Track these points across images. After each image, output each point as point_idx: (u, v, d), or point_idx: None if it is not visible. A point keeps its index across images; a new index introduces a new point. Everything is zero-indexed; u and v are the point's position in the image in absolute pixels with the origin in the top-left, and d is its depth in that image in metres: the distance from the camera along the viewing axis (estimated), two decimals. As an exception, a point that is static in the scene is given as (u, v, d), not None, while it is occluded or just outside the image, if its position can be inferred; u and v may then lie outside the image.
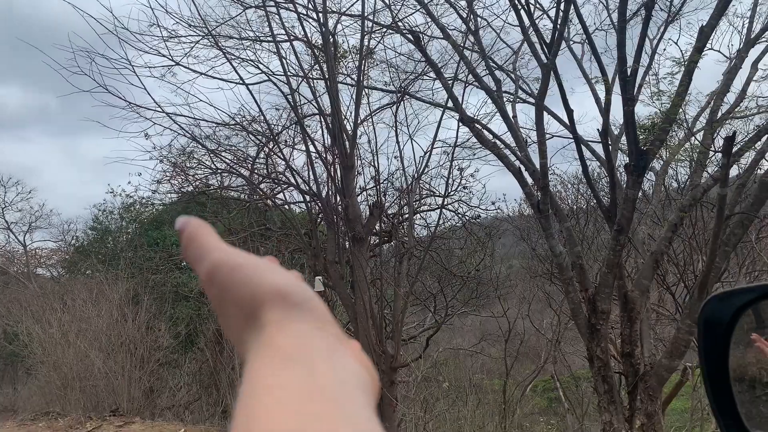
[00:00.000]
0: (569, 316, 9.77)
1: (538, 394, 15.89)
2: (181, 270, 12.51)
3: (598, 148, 9.29)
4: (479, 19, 8.56)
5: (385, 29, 9.20)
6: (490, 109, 10.05)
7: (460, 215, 10.68)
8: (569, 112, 7.33)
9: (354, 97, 8.83)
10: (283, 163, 9.53)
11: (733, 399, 1.07)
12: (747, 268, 10.10)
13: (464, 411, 11.67)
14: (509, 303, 13.74)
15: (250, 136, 9.84)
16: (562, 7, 6.97)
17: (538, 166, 7.54)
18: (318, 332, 0.40)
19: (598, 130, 7.61)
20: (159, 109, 8.72)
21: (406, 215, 9.91)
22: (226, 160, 9.93)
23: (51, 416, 9.40)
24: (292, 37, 8.93)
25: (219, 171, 10.31)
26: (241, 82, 8.59)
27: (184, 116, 9.14)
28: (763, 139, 7.18)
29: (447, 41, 8.28)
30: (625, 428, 6.93)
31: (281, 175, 9.92)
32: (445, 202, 9.86)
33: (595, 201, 8.82)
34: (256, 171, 9.86)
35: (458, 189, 10.29)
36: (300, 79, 8.89)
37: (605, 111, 7.64)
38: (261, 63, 9.24)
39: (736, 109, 8.16)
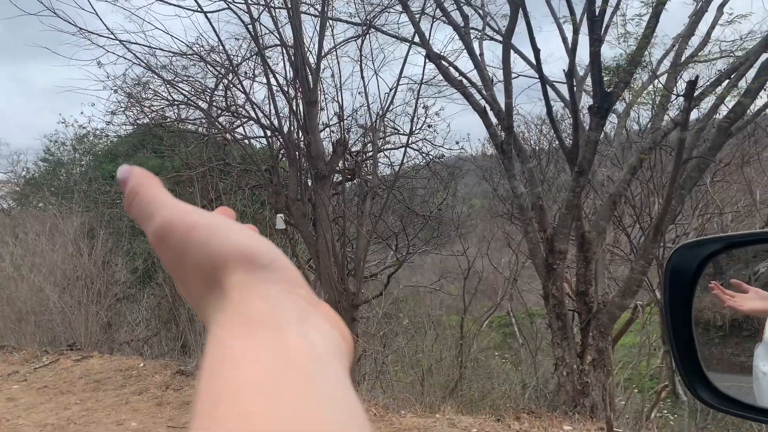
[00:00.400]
0: (527, 255, 9.96)
1: (494, 329, 16.35)
2: (138, 204, 12.24)
3: (563, 89, 9.28)
4: (448, -50, 8.30)
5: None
6: (457, 45, 9.89)
7: (424, 154, 10.63)
8: (536, 52, 7.26)
9: (318, 28, 8.55)
10: (243, 96, 9.26)
11: (695, 347, 1.07)
12: (700, 210, 10.39)
13: (422, 346, 11.94)
14: (469, 242, 13.93)
15: (209, 66, 9.49)
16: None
17: (503, 105, 7.50)
18: (287, 295, 0.36)
19: (563, 70, 7.57)
20: (112, 37, 8.31)
21: (370, 153, 9.82)
22: (184, 91, 9.60)
23: (6, 350, 9.28)
24: (252, -37, 8.52)
25: (176, 103, 9.97)
26: (199, 9, 8.20)
27: (139, 44, 8.76)
28: (724, 83, 7.25)
29: (414, -27, 8.03)
30: (576, 363, 7.19)
31: (241, 109, 9.66)
32: (410, 141, 9.77)
33: (557, 142, 8.86)
34: (214, 104, 9.57)
35: (423, 127, 10.20)
36: (261, 7, 8.54)
37: (572, 51, 7.59)
38: (220, -11, 8.83)
39: (699, 53, 8.19)
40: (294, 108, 8.40)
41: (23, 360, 8.56)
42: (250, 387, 0.30)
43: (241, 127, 10.14)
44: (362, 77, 9.20)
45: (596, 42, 6.79)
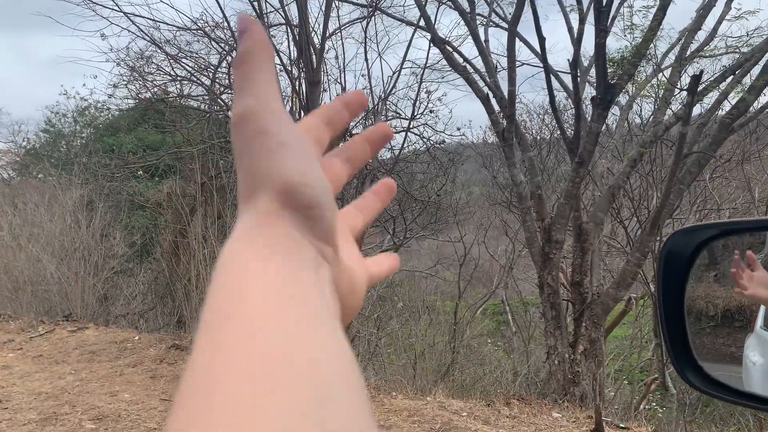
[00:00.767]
0: (524, 243, 9.99)
1: (487, 316, 16.44)
2: (137, 178, 12.25)
3: (567, 79, 9.26)
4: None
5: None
6: (462, 31, 9.85)
7: (425, 139, 10.62)
8: (541, 40, 7.24)
9: (323, 8, 8.50)
10: (247, 74, 9.20)
11: (686, 331, 1.09)
12: (698, 206, 10.42)
13: (416, 330, 12.02)
14: (467, 229, 13.97)
15: (213, 43, 9.45)
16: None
17: (506, 93, 7.49)
18: (308, 244, 0.35)
19: (568, 60, 7.55)
20: (117, 8, 8.27)
21: (371, 136, 9.79)
22: (187, 67, 9.56)
23: (2, 318, 9.32)
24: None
25: (179, 78, 9.94)
26: (204, -16, 8.17)
27: (144, 17, 8.71)
28: (728, 79, 7.24)
29: (423, -44, 7.98)
30: (568, 352, 7.25)
31: (244, 87, 9.61)
32: (411, 125, 9.76)
33: (559, 132, 8.86)
34: (217, 80, 9.53)
35: (425, 112, 10.18)
36: (267, -15, 8.49)
37: (577, 41, 7.57)
38: (226, -35, 8.78)
39: (705, 48, 8.17)
40: (297, 88, 8.38)
41: (19, 329, 8.61)
42: (252, 308, 0.30)
43: (243, 105, 10.10)
44: (366, 59, 9.18)
45: (602, 33, 6.78)
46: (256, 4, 8.21)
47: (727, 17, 7.97)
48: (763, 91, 6.67)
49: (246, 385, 0.27)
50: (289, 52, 8.88)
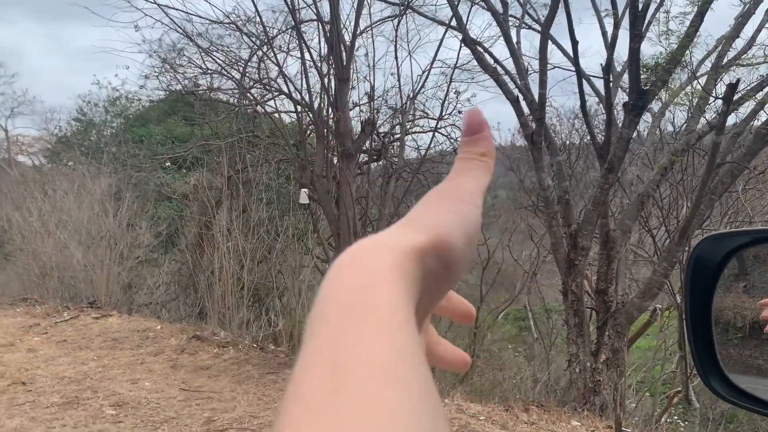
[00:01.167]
0: (549, 249, 9.88)
1: (509, 322, 16.31)
2: (165, 170, 12.39)
3: (599, 84, 9.12)
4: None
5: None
6: (494, 32, 9.75)
7: (452, 140, 10.57)
8: (574, 44, 7.15)
9: (355, 5, 8.50)
10: (276, 69, 9.26)
11: (713, 339, 1.05)
12: (729, 217, 10.21)
13: (437, 332, 11.95)
14: (491, 232, 13.86)
15: (244, 37, 9.51)
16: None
17: (536, 96, 7.41)
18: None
19: (601, 65, 7.45)
20: (151, 0, 8.37)
21: (398, 135, 9.78)
22: (218, 60, 9.64)
23: (29, 303, 9.50)
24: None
25: (209, 72, 10.02)
26: (238, -22, 8.22)
27: (177, 9, 8.80)
28: (766, 89, 7.08)
29: (456, -44, 7.93)
30: (590, 361, 7.14)
31: (273, 82, 9.67)
32: (439, 125, 9.71)
33: (588, 137, 8.74)
34: (247, 75, 9.59)
35: (453, 113, 10.13)
36: (300, -19, 8.51)
37: (611, 46, 7.47)
38: (260, -39, 8.83)
39: (742, 57, 7.99)
40: (326, 84, 8.39)
41: (45, 314, 8.76)
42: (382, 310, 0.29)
43: (272, 100, 10.17)
44: (396, 58, 9.16)
45: (637, 38, 6.67)
46: (288, 0, 8.24)
47: (767, 26, 7.79)
48: (802, 102, 6.51)
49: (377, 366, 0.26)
50: (320, 49, 8.91)
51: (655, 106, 8.84)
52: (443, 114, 9.67)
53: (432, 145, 9.77)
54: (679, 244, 7.17)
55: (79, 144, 15.56)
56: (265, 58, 9.44)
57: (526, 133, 7.69)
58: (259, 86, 9.84)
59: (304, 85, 8.64)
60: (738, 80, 6.45)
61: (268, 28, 9.11)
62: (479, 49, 8.09)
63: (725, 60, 7.66)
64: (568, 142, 13.09)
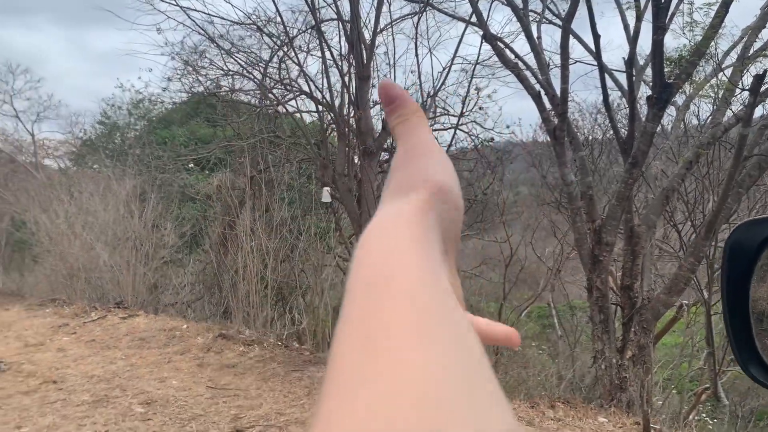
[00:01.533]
0: (572, 245, 9.80)
1: (532, 319, 16.20)
2: (188, 171, 12.51)
3: (621, 78, 9.04)
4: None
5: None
6: (514, 27, 9.72)
7: (473, 137, 10.53)
8: (596, 37, 7.08)
9: (375, 3, 8.51)
10: (297, 68, 9.31)
11: (750, 327, 1.04)
12: (757, 211, 10.04)
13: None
14: (513, 229, 13.78)
15: (265, 37, 9.57)
16: None
17: (558, 91, 7.36)
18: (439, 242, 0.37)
19: (623, 58, 7.36)
20: (173, 2, 8.46)
21: (418, 133, 9.74)
22: (240, 61, 9.71)
23: (57, 303, 9.65)
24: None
25: (231, 73, 10.10)
26: (259, -21, 8.27)
27: (199, 11, 8.88)
28: (794, 80, 6.94)
29: (476, -49, 7.90)
30: (615, 357, 7.08)
31: (294, 82, 9.72)
32: (460, 122, 9.68)
33: (612, 132, 8.66)
34: (268, 75, 9.65)
35: (474, 109, 10.09)
36: (320, -19, 8.54)
37: (633, 39, 7.38)
38: (280, -39, 8.87)
39: (769, 47, 7.85)
40: (346, 83, 8.41)
41: (73, 314, 8.90)
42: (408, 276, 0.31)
43: (293, 100, 10.22)
44: (416, 55, 9.15)
45: (660, 30, 6.58)
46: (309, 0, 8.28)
47: (794, 15, 7.65)
48: (831, 92, 6.38)
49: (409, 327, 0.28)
50: (340, 47, 8.93)
51: (679, 99, 8.73)
52: (464, 111, 9.64)
53: (453, 142, 9.75)
54: (705, 239, 7.08)
55: (104, 147, 15.77)
56: (286, 58, 9.50)
57: (549, 129, 7.64)
58: (280, 86, 9.89)
59: (325, 85, 8.68)
60: (765, 71, 6.34)
61: (288, 28, 9.16)
62: (500, 44, 8.06)
63: (751, 51, 7.54)
64: (590, 137, 12.97)
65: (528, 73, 7.96)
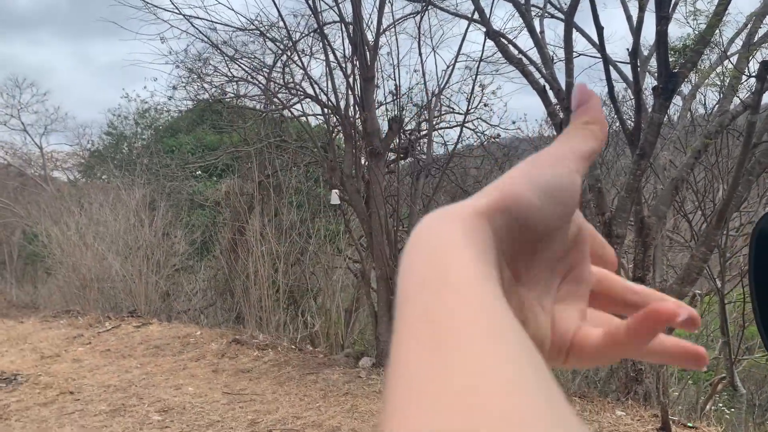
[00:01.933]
0: (582, 239, 9.74)
1: (544, 314, 16.16)
2: (196, 178, 12.56)
3: (626, 70, 9.01)
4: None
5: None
6: (517, 23, 9.69)
7: (479, 134, 10.51)
8: (599, 30, 7.06)
9: (377, 4, 8.51)
10: (301, 72, 9.33)
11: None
12: (768, 198, 9.98)
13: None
14: (522, 225, 13.73)
15: (268, 43, 9.59)
16: None
17: (563, 85, 7.34)
18: (494, 254, 0.34)
19: (627, 50, 7.34)
20: (176, 11, 8.49)
21: (424, 132, 9.76)
22: (244, 67, 9.74)
23: (72, 314, 9.72)
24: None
25: (235, 79, 10.13)
26: (260, -16, 8.27)
27: (202, 19, 8.91)
28: (801, 65, 6.90)
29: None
30: (629, 350, 7.04)
31: (298, 85, 9.74)
32: (465, 120, 9.68)
33: (618, 124, 8.62)
34: (273, 80, 9.67)
35: (479, 106, 10.08)
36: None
37: (636, 30, 7.35)
38: (281, -34, 8.89)
39: (775, 33, 7.81)
40: (351, 84, 8.42)
41: (87, 324, 8.96)
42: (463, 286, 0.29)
43: (298, 104, 10.24)
44: (420, 54, 9.14)
45: (663, 20, 6.55)
46: (310, 2, 8.29)
47: (799, 0, 7.60)
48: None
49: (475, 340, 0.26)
50: (344, 50, 8.94)
51: (685, 88, 8.69)
52: (469, 108, 9.63)
53: (459, 139, 9.74)
54: (717, 228, 7.03)
55: (112, 157, 15.86)
56: (290, 62, 9.51)
57: (555, 123, 7.62)
58: (284, 91, 9.91)
59: (330, 87, 8.68)
60: (771, 57, 6.31)
61: (291, 33, 9.18)
62: (503, 41, 8.04)
63: (756, 37, 7.50)
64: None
65: (532, 68, 7.95)
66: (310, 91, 9.25)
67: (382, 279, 7.79)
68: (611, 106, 8.17)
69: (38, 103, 22.10)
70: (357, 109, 8.44)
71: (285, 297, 9.29)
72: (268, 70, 9.72)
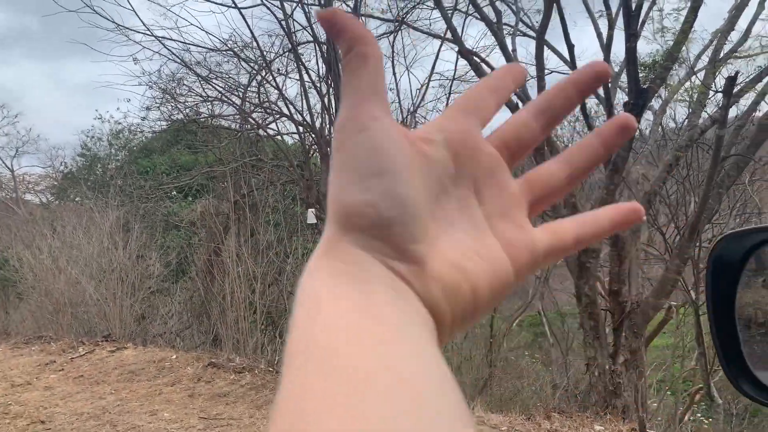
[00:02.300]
0: (559, 253, 9.81)
1: (524, 329, 16.20)
2: (171, 199, 12.44)
3: (597, 86, 9.13)
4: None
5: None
6: (489, 41, 9.79)
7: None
8: (570, 47, 7.18)
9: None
10: (276, 92, 9.33)
11: (738, 339, 1.04)
12: (738, 210, 10.16)
13: (451, 343, 11.90)
14: (500, 240, 13.78)
15: (242, 63, 9.60)
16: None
17: (535, 102, 7.42)
18: (378, 265, 0.33)
19: (598, 66, 7.44)
20: (148, 33, 8.46)
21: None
22: (218, 87, 9.72)
23: (44, 340, 9.51)
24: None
25: (210, 99, 10.10)
26: (233, 5, 8.30)
27: (174, 40, 8.89)
28: (765, 80, 7.08)
29: (447, -32, 7.99)
30: (608, 363, 7.09)
31: (274, 105, 9.74)
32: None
33: (591, 139, 8.74)
34: (248, 99, 9.66)
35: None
36: (294, 4, 8.59)
37: (607, 47, 7.49)
38: (254, -14, 8.89)
39: (739, 49, 8.01)
40: (326, 104, 8.44)
41: (60, 350, 8.77)
42: (327, 339, 0.30)
43: (273, 123, 10.23)
44: (394, 73, 9.22)
45: (632, 37, 6.68)
46: (284, 23, 8.32)
47: (761, 17, 7.81)
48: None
49: (333, 410, 0.26)
50: (318, 69, 8.97)
51: (656, 103, 8.85)
52: (444, 126, 9.68)
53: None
54: (690, 240, 7.14)
55: (85, 179, 15.65)
56: (264, 81, 9.51)
57: (529, 139, 7.69)
58: (260, 110, 9.91)
59: (305, 106, 8.70)
60: (737, 72, 6.47)
61: (265, 53, 9.19)
62: (476, 59, 8.13)
63: (722, 53, 7.67)
64: (570, 145, 13.06)
65: (505, 86, 8.02)
66: (285, 110, 9.27)
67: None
68: (584, 121, 8.28)
69: (9, 125, 21.78)
70: (332, 127, 8.46)
71: (263, 318, 9.19)
72: (243, 90, 9.72)
